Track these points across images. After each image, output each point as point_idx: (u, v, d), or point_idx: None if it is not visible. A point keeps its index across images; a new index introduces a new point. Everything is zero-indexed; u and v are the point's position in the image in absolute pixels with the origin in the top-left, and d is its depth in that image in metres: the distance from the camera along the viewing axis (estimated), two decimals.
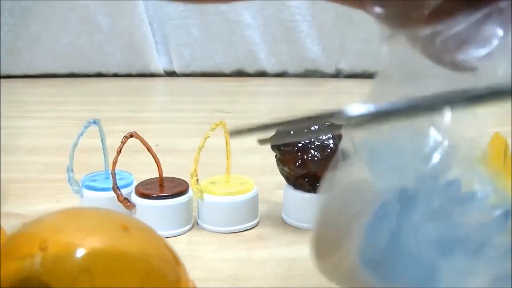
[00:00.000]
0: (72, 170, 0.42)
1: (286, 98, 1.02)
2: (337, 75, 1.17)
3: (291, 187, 0.43)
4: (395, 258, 0.21)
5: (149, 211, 0.41)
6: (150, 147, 0.41)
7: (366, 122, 0.19)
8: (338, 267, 0.24)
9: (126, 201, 0.41)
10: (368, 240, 0.22)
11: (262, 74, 1.17)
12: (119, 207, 0.40)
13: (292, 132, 0.42)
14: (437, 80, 0.21)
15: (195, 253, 0.39)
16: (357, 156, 0.23)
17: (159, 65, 1.15)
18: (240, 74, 1.17)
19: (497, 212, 0.22)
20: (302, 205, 0.43)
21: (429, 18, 0.20)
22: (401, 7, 0.20)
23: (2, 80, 1.08)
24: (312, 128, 0.42)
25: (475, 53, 0.20)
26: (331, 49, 1.14)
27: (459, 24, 0.19)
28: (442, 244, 0.21)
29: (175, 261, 0.24)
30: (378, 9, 0.20)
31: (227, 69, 1.17)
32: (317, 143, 0.40)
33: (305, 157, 0.40)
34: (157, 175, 0.43)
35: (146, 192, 0.41)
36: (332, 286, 0.34)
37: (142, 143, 0.41)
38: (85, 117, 0.44)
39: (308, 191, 0.42)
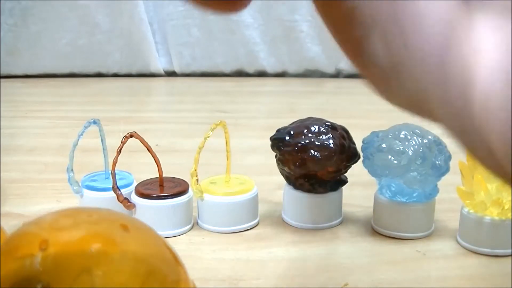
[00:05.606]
0: (72, 170, 0.42)
1: (286, 98, 1.02)
2: (337, 75, 1.17)
3: (291, 187, 0.43)
4: None
5: (149, 211, 0.41)
6: (150, 147, 0.41)
7: None
8: None
9: (126, 201, 0.41)
10: None
11: (262, 74, 1.17)
12: (119, 207, 0.40)
13: (292, 133, 0.42)
14: None
15: (195, 253, 0.39)
16: None
17: (159, 65, 1.15)
18: (240, 74, 1.17)
19: None
20: (302, 205, 0.43)
21: None
22: None
23: (2, 80, 1.08)
24: (312, 128, 0.42)
25: None
26: (331, 49, 1.14)
27: None
28: None
29: (175, 261, 0.24)
30: None
31: (227, 69, 1.17)
32: (317, 143, 0.40)
33: (305, 157, 0.40)
34: (157, 175, 0.43)
35: (146, 192, 0.41)
36: (333, 286, 0.34)
37: (142, 143, 0.41)
38: (85, 117, 0.44)
39: (308, 191, 0.42)
